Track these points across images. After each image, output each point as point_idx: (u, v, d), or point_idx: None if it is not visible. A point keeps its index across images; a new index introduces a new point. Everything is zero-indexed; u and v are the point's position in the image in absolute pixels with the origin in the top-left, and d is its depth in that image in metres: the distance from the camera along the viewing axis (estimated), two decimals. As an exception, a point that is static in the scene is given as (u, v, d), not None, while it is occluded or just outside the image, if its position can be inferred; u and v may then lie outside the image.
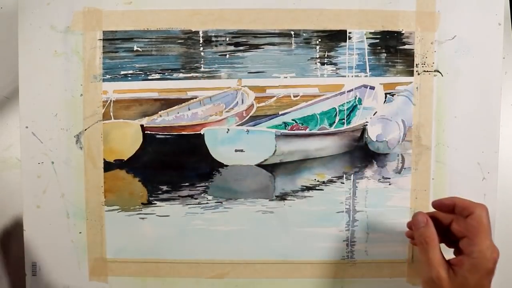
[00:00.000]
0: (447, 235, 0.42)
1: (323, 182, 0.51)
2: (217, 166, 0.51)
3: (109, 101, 0.50)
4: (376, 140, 0.51)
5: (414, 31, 0.50)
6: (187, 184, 0.51)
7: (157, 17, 0.50)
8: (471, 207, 0.40)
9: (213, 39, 0.50)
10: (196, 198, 0.51)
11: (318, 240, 0.51)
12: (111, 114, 0.50)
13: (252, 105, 0.50)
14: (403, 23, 0.50)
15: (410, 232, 0.46)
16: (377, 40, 0.50)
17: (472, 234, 0.39)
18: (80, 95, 0.50)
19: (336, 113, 0.51)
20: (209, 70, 0.50)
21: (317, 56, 0.50)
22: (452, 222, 0.41)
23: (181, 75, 0.50)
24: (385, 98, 0.50)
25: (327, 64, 0.50)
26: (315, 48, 0.50)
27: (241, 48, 0.50)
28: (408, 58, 0.50)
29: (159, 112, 0.50)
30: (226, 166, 0.51)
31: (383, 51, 0.50)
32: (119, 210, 0.51)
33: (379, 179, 0.51)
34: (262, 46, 0.50)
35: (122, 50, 0.50)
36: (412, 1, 0.50)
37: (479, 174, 0.50)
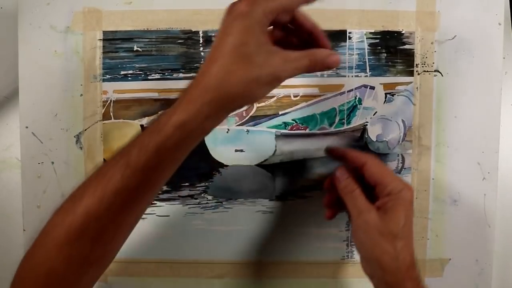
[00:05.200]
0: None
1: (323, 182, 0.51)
2: (217, 166, 0.51)
3: (109, 101, 0.50)
4: (376, 140, 0.51)
5: (414, 31, 0.50)
6: (187, 184, 0.51)
7: (157, 17, 0.50)
8: (362, 158, 0.42)
9: (213, 39, 0.50)
10: (196, 198, 0.51)
11: (318, 240, 0.51)
12: (111, 114, 0.50)
13: (252, 105, 0.50)
14: (403, 23, 0.50)
15: (329, 186, 0.46)
16: (377, 40, 0.50)
17: (379, 179, 0.41)
18: (80, 95, 0.50)
19: (336, 113, 0.51)
20: (209, 70, 0.50)
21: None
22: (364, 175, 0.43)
23: (181, 75, 0.50)
24: (385, 98, 0.50)
25: (327, 64, 0.50)
26: (315, 48, 0.50)
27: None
28: (408, 58, 0.50)
29: (159, 112, 0.50)
30: (226, 166, 0.51)
31: (383, 51, 0.50)
32: (119, 210, 0.50)
33: (379, 179, 0.51)
34: (262, 46, 0.50)
35: (122, 50, 0.50)
36: (412, 1, 0.50)
37: (479, 174, 0.50)
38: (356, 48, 0.50)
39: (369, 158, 0.42)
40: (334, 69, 0.50)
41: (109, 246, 0.36)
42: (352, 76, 0.50)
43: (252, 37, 0.32)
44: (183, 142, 0.33)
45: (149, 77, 0.50)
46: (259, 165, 0.51)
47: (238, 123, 0.50)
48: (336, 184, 0.43)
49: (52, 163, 0.50)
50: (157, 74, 0.50)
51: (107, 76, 0.50)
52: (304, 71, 0.35)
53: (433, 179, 0.50)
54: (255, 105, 0.50)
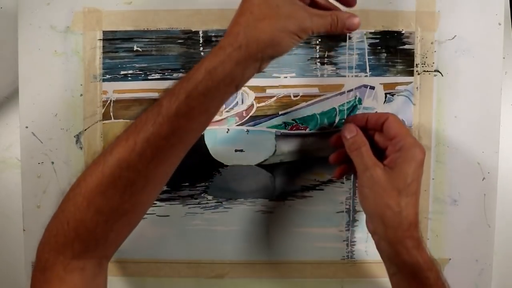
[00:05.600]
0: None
1: (323, 182, 0.51)
2: (217, 166, 0.51)
3: (109, 101, 0.50)
4: (376, 140, 0.51)
5: (414, 31, 0.50)
6: (187, 184, 0.51)
7: (157, 17, 0.50)
8: (382, 116, 0.43)
9: (213, 39, 0.50)
10: (196, 198, 0.51)
11: (318, 240, 0.51)
12: (111, 114, 0.50)
13: (252, 105, 0.50)
14: (403, 23, 0.50)
15: (335, 142, 0.46)
16: (377, 40, 0.50)
17: (395, 135, 0.41)
18: (80, 95, 0.50)
19: (336, 113, 0.51)
20: (209, 70, 0.50)
21: (317, 56, 0.50)
22: (374, 137, 0.44)
23: (181, 75, 0.50)
24: (385, 98, 0.50)
25: (327, 64, 0.50)
26: (315, 48, 0.50)
27: (241, 48, 0.50)
28: (408, 58, 0.50)
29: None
30: (226, 166, 0.51)
31: (383, 51, 0.50)
32: (119, 210, 0.50)
33: (379, 179, 0.51)
34: (262, 46, 0.50)
35: (122, 50, 0.50)
36: (412, 1, 0.50)
37: (479, 174, 0.50)
38: (356, 48, 0.50)
39: (391, 114, 0.42)
40: (334, 68, 0.50)
41: (138, 198, 0.36)
42: (352, 76, 0.50)
43: None
44: (213, 88, 0.34)
45: (149, 77, 0.50)
46: (259, 165, 0.51)
47: (238, 123, 0.50)
48: (343, 141, 0.43)
49: (52, 163, 0.50)
50: (157, 74, 0.50)
51: (107, 76, 0.50)
52: (327, 29, 0.37)
53: (433, 179, 0.50)
54: (255, 105, 0.50)
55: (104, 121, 0.50)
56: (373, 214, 0.41)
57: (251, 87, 0.50)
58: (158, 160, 0.35)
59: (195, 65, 0.35)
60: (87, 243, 0.35)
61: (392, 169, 0.40)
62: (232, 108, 0.51)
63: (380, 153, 0.43)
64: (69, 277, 0.34)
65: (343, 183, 0.51)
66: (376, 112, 0.45)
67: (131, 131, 0.35)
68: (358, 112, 0.50)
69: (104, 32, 0.50)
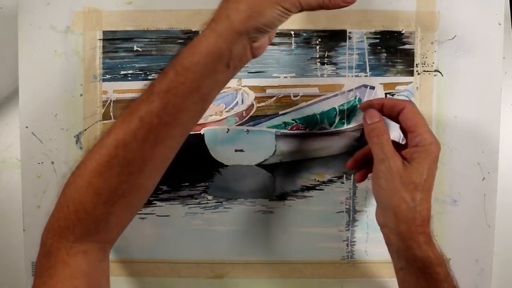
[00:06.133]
0: None
1: (323, 182, 0.51)
2: (217, 166, 0.51)
3: (109, 101, 0.50)
4: (376, 140, 0.51)
5: (414, 31, 0.50)
6: (187, 184, 0.51)
7: (157, 17, 0.50)
8: (400, 104, 0.42)
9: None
10: (196, 198, 0.51)
11: (318, 240, 0.51)
12: (111, 114, 0.50)
13: (252, 105, 0.50)
14: (403, 23, 0.50)
15: (352, 165, 0.47)
16: (377, 40, 0.50)
17: (412, 126, 0.41)
18: (80, 95, 0.50)
19: (336, 113, 0.51)
20: (209, 70, 0.50)
21: (317, 56, 0.50)
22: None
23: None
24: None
25: (327, 64, 0.50)
26: (315, 48, 0.50)
27: (241, 48, 0.50)
28: (408, 58, 0.50)
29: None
30: (226, 166, 0.51)
31: (383, 51, 0.50)
32: (119, 210, 0.50)
33: (379, 179, 0.51)
34: (262, 46, 0.50)
35: (122, 50, 0.50)
36: (412, 1, 0.50)
37: (479, 174, 0.50)
38: (356, 48, 0.50)
39: (408, 103, 0.42)
40: (334, 68, 0.50)
41: (136, 179, 0.36)
42: (352, 76, 0.50)
43: None
44: (199, 64, 0.34)
45: (149, 77, 0.50)
46: (259, 165, 0.51)
47: (238, 123, 0.50)
48: (364, 126, 0.43)
49: (52, 163, 0.50)
50: (157, 74, 0.50)
51: (107, 76, 0.50)
52: (322, 4, 0.37)
53: (433, 179, 0.50)
54: (255, 105, 0.50)
55: (104, 121, 0.50)
56: (387, 207, 0.40)
57: (251, 87, 0.50)
58: (154, 140, 0.35)
59: (191, 43, 0.35)
60: (87, 226, 0.35)
61: (409, 163, 0.40)
62: (232, 108, 0.51)
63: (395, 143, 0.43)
64: (73, 261, 0.35)
65: (343, 183, 0.51)
66: (392, 98, 0.45)
67: (127, 113, 0.35)
68: (358, 112, 0.50)
69: (104, 32, 0.50)
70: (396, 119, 0.42)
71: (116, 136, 0.35)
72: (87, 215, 0.35)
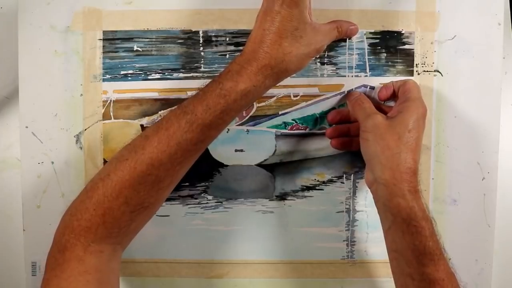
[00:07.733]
0: None
1: (323, 182, 0.51)
2: (217, 166, 0.51)
3: (109, 101, 0.50)
4: (376, 140, 0.51)
5: (414, 31, 0.50)
6: (187, 184, 0.51)
7: (157, 17, 0.50)
8: (403, 81, 0.47)
9: (213, 39, 0.50)
10: (196, 198, 0.51)
11: (318, 240, 0.51)
12: (111, 114, 0.50)
13: (252, 105, 0.50)
14: (403, 23, 0.50)
15: (332, 118, 0.50)
16: (377, 40, 0.50)
17: (406, 90, 0.45)
18: (80, 95, 0.50)
19: (336, 113, 0.51)
20: (209, 70, 0.50)
21: (317, 56, 0.50)
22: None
23: (181, 75, 0.50)
24: (385, 98, 0.50)
25: (327, 64, 0.50)
26: (315, 48, 0.50)
27: (241, 48, 0.50)
28: (408, 58, 0.50)
29: (159, 112, 0.50)
30: (226, 166, 0.51)
31: (383, 51, 0.50)
32: (119, 210, 0.50)
33: (379, 179, 0.51)
34: (262, 46, 0.50)
35: (122, 50, 0.50)
36: (412, 1, 0.50)
37: (479, 174, 0.50)
38: (356, 48, 0.50)
39: (412, 79, 0.48)
40: (334, 68, 0.50)
41: (162, 194, 0.40)
42: (352, 76, 0.50)
43: (298, 16, 0.38)
44: (244, 107, 0.39)
45: (149, 77, 0.50)
46: (259, 165, 0.51)
47: (238, 123, 0.50)
48: (347, 102, 0.49)
49: (52, 163, 0.50)
50: (157, 74, 0.50)
51: (107, 76, 0.50)
52: (333, 40, 0.45)
53: (433, 179, 0.50)
54: (255, 105, 0.50)
55: (104, 121, 0.50)
56: (373, 156, 0.42)
57: (251, 87, 0.50)
58: (184, 162, 0.39)
59: (226, 82, 0.38)
60: (111, 229, 0.38)
61: (394, 116, 0.43)
62: (232, 108, 0.51)
63: None
64: (88, 258, 0.37)
65: (343, 183, 0.51)
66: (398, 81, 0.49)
67: (163, 134, 0.38)
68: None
69: (104, 32, 0.50)
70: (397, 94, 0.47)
71: (153, 155, 0.37)
72: (113, 220, 0.38)
